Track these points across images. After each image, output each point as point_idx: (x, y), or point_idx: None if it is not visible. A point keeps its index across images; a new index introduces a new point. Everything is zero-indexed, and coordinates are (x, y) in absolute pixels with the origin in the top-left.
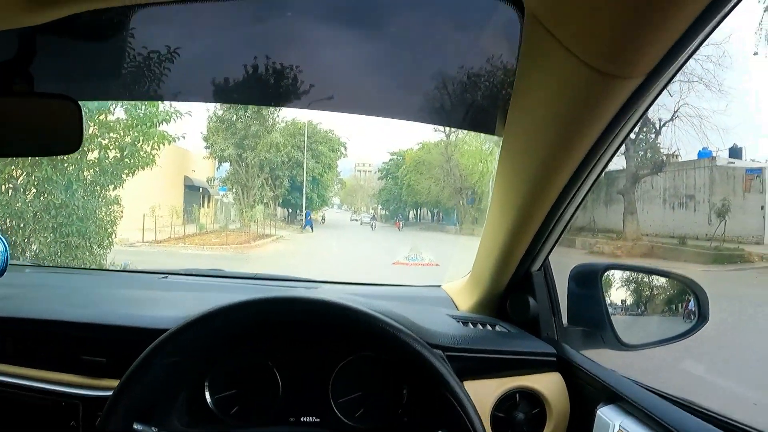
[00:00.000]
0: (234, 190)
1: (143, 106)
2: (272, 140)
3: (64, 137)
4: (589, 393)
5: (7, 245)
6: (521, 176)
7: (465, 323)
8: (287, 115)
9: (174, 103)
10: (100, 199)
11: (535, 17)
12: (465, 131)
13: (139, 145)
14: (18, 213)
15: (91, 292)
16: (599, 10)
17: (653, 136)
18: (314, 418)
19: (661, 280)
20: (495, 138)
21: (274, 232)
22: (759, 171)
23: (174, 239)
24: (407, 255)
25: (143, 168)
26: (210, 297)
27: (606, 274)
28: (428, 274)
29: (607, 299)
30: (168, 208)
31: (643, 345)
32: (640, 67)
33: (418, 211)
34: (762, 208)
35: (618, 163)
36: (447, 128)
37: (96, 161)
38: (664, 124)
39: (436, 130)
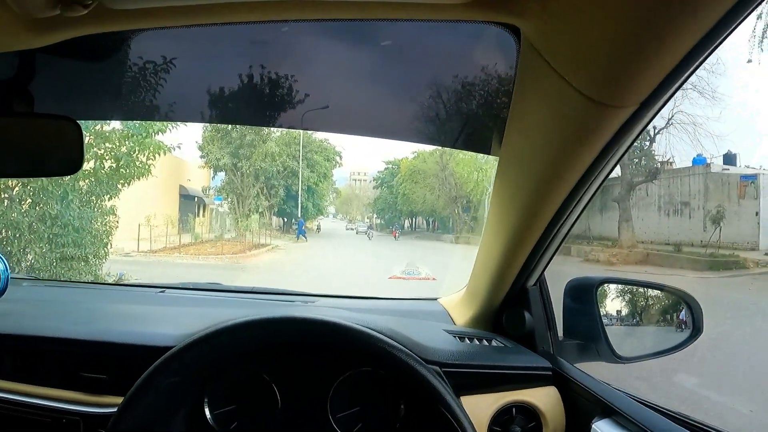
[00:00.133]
0: (229, 200)
1: None
2: (267, 149)
3: (65, 158)
4: (584, 406)
5: (6, 265)
6: (517, 197)
7: (461, 338)
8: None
9: None
10: (95, 210)
11: (531, 44)
12: None
13: (134, 155)
14: (13, 223)
15: (89, 307)
16: (594, 40)
17: (648, 143)
18: None
19: (655, 293)
20: None
21: (270, 242)
22: (753, 177)
23: (169, 249)
24: (404, 269)
25: (139, 178)
26: (209, 312)
27: (600, 287)
28: (426, 285)
29: (602, 311)
30: (163, 218)
31: (637, 357)
32: (634, 96)
33: (414, 219)
34: (756, 214)
35: (613, 171)
36: None
37: (92, 171)
38: (658, 132)
39: None
